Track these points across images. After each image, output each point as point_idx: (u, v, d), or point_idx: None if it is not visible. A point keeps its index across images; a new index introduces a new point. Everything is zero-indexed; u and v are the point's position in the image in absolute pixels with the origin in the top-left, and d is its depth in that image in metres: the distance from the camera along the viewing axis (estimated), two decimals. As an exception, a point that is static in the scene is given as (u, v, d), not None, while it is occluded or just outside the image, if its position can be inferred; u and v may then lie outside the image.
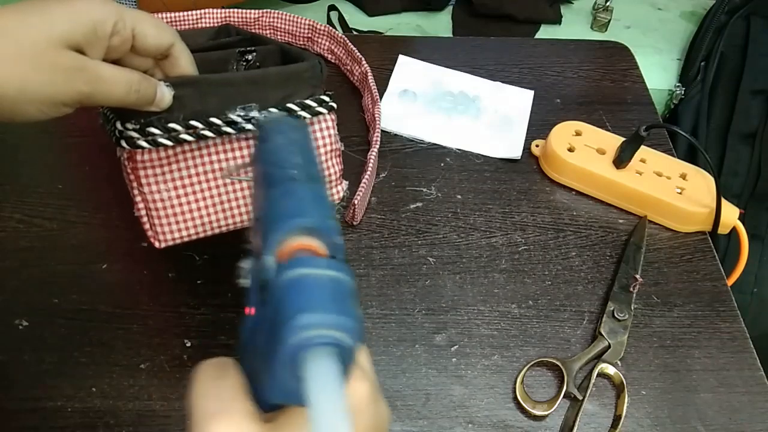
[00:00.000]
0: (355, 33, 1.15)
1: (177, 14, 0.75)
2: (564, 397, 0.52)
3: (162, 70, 0.43)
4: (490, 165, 0.69)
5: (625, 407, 0.52)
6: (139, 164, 0.44)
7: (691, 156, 0.99)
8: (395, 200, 0.65)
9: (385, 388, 0.53)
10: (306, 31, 0.78)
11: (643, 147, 0.65)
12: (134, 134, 0.42)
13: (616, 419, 0.52)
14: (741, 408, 0.53)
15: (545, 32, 1.22)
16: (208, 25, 0.78)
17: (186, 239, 0.48)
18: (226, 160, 0.46)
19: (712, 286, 0.61)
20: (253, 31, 0.80)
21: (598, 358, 0.55)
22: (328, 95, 0.48)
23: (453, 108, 0.74)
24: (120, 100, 0.39)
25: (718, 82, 1.12)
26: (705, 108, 1.11)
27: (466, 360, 0.55)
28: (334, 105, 0.49)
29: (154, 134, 0.43)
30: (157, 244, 0.48)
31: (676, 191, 0.65)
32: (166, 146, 0.44)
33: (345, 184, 0.52)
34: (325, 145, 0.49)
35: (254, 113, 0.44)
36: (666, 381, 0.54)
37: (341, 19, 1.16)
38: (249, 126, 0.45)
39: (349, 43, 0.75)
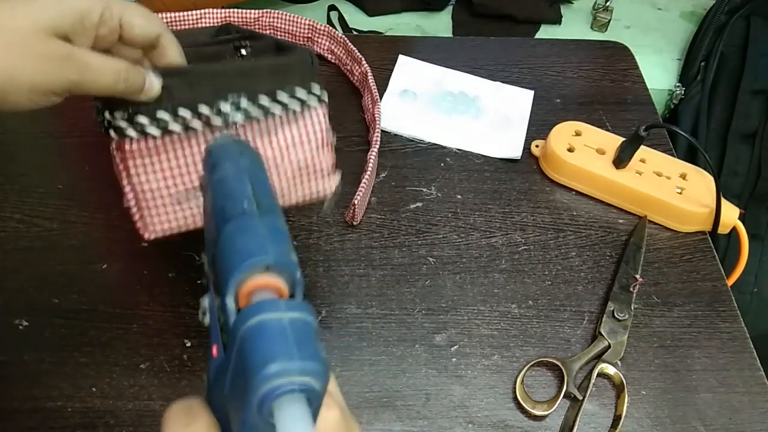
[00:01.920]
0: (355, 33, 1.15)
1: (177, 14, 0.75)
2: (564, 397, 0.52)
3: (151, 60, 0.44)
4: (490, 165, 0.69)
5: (625, 407, 0.52)
6: (128, 154, 0.44)
7: (691, 156, 0.99)
8: (395, 200, 0.65)
9: (385, 388, 0.53)
10: (306, 31, 0.78)
11: (642, 147, 0.65)
12: (122, 123, 0.42)
13: (616, 419, 0.52)
14: (741, 408, 0.53)
15: (545, 32, 1.22)
16: (208, 25, 0.78)
17: (176, 230, 0.48)
18: None
19: (712, 286, 0.61)
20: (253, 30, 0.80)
21: (598, 358, 0.55)
22: (319, 87, 0.48)
23: (453, 108, 0.74)
24: (108, 88, 0.39)
25: (718, 82, 1.12)
26: (705, 108, 1.11)
27: (466, 360, 0.55)
28: (326, 97, 0.49)
29: (142, 123, 0.43)
30: (146, 235, 0.47)
31: (676, 191, 0.65)
32: (154, 136, 0.43)
33: (338, 174, 0.51)
34: (316, 137, 0.49)
35: (244, 103, 0.44)
36: (666, 381, 0.54)
37: (341, 19, 1.16)
38: (238, 117, 0.45)
39: (349, 43, 0.75)
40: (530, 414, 0.52)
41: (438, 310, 0.57)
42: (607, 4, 1.21)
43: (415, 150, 0.70)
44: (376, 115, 0.68)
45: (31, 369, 0.52)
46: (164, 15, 0.75)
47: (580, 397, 0.52)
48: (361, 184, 0.62)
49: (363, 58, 0.73)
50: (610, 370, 0.54)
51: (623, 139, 0.66)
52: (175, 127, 0.43)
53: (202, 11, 0.76)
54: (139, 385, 0.51)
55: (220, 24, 0.78)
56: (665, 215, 0.65)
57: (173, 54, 0.44)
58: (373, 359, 0.54)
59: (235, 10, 0.78)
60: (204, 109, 0.44)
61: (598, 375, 0.54)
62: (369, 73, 0.71)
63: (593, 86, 0.79)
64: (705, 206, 0.63)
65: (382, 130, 0.69)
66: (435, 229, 0.63)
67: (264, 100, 0.45)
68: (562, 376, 0.53)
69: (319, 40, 0.78)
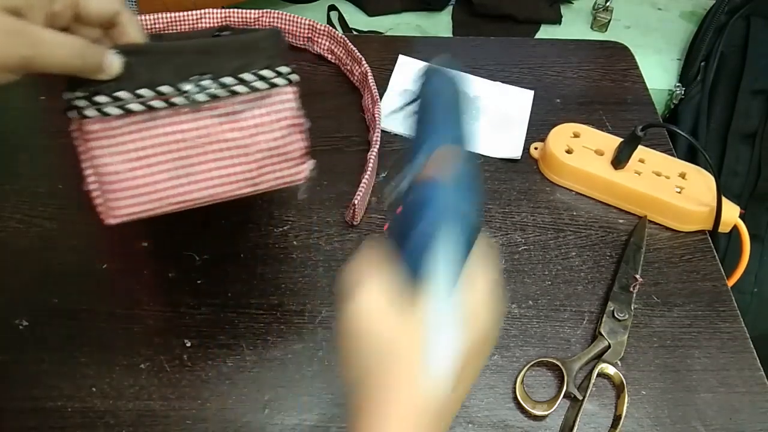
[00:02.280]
0: (355, 33, 1.15)
1: (177, 14, 0.75)
2: (564, 397, 0.52)
3: (111, 39, 0.43)
4: (490, 165, 0.69)
5: (625, 407, 0.52)
6: (89, 135, 0.43)
7: (691, 156, 0.99)
8: (395, 200, 0.65)
9: (385, 388, 0.53)
10: (306, 31, 0.78)
11: (641, 147, 0.65)
12: (81, 103, 0.41)
13: (616, 419, 0.52)
14: (741, 408, 0.53)
15: (545, 32, 1.22)
16: (208, 25, 0.78)
17: (140, 215, 0.46)
18: (180, 131, 0.44)
19: (712, 286, 0.61)
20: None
21: (598, 358, 0.55)
22: (287, 66, 0.47)
23: (453, 108, 0.74)
24: (64, 64, 0.38)
25: (718, 82, 1.12)
26: (705, 108, 1.11)
27: (466, 360, 0.54)
28: (294, 78, 0.47)
29: (101, 103, 0.41)
30: (110, 220, 0.45)
31: (676, 190, 0.65)
32: (115, 116, 0.42)
33: (311, 163, 0.49)
34: (285, 119, 0.47)
35: (207, 83, 0.43)
36: (666, 381, 0.54)
37: (341, 19, 1.16)
38: (201, 97, 0.44)
39: (349, 43, 0.75)
40: (530, 414, 0.52)
41: (438, 310, 0.57)
42: (607, 4, 1.21)
43: (415, 150, 0.70)
44: (376, 115, 0.68)
45: (31, 369, 0.52)
46: (164, 15, 0.75)
47: (580, 397, 0.52)
48: (361, 184, 0.62)
49: (363, 58, 0.73)
50: (610, 370, 0.54)
51: (622, 139, 0.66)
52: (135, 106, 0.42)
53: (202, 11, 0.76)
54: (139, 385, 0.51)
55: (219, 24, 0.78)
56: (665, 215, 0.65)
57: (133, 32, 0.43)
58: (373, 359, 0.54)
59: (235, 10, 0.78)
60: (165, 89, 0.43)
61: (598, 375, 0.54)
62: (369, 73, 0.71)
63: (593, 86, 0.79)
64: (705, 205, 0.63)
65: (382, 130, 0.69)
66: (435, 229, 0.63)
67: (228, 79, 0.44)
68: (562, 376, 0.53)
69: (319, 40, 0.78)
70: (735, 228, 0.64)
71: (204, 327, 0.55)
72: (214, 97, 0.44)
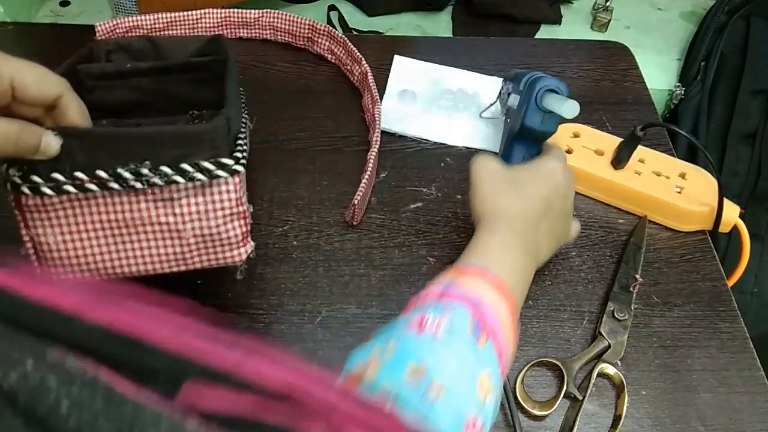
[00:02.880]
0: (355, 33, 1.15)
1: (177, 14, 0.75)
2: (564, 397, 0.52)
3: (52, 119, 0.42)
4: (490, 165, 0.69)
5: (625, 407, 0.52)
6: (25, 208, 0.43)
7: (691, 156, 0.99)
8: (395, 200, 0.65)
9: (385, 388, 0.53)
10: (306, 31, 0.78)
11: (641, 147, 0.65)
12: (17, 180, 0.42)
13: (616, 419, 0.52)
14: (741, 408, 0.53)
15: (545, 32, 1.22)
16: (208, 25, 0.78)
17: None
18: (114, 212, 0.45)
19: (712, 286, 0.61)
20: (252, 31, 0.80)
21: (598, 358, 0.55)
22: (234, 158, 0.45)
23: (454, 106, 0.74)
24: None
25: (718, 82, 1.12)
26: (705, 108, 1.11)
27: (466, 360, 0.54)
28: (240, 168, 0.46)
29: (36, 182, 0.42)
30: None
31: (676, 190, 0.65)
32: (49, 195, 0.43)
33: (251, 246, 0.49)
34: (224, 209, 0.46)
35: (145, 171, 0.43)
36: (666, 381, 0.54)
37: (341, 19, 1.16)
38: (138, 184, 0.43)
39: (349, 43, 0.75)
40: (530, 414, 0.52)
41: (438, 310, 0.57)
42: (607, 4, 1.21)
43: (415, 150, 0.70)
44: (376, 115, 0.68)
45: (31, 369, 0.52)
46: (164, 15, 0.75)
47: (580, 397, 0.52)
48: (361, 185, 0.62)
49: (363, 58, 0.73)
50: (610, 370, 0.54)
51: (622, 139, 0.66)
52: (70, 188, 0.42)
53: (202, 11, 0.76)
54: (139, 385, 0.51)
55: (219, 25, 0.78)
56: (665, 215, 0.65)
57: (74, 114, 0.42)
58: (373, 359, 0.54)
59: (235, 10, 0.78)
60: (102, 173, 0.42)
61: (598, 375, 0.54)
62: (369, 73, 0.71)
63: (593, 86, 0.79)
64: (705, 205, 0.63)
65: (382, 131, 0.69)
66: (435, 229, 0.63)
67: (167, 168, 0.43)
68: (562, 376, 0.53)
69: (319, 40, 0.78)
70: (735, 228, 0.64)
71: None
72: (152, 185, 0.43)
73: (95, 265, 0.46)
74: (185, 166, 0.43)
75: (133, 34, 0.75)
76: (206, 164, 0.44)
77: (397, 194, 0.66)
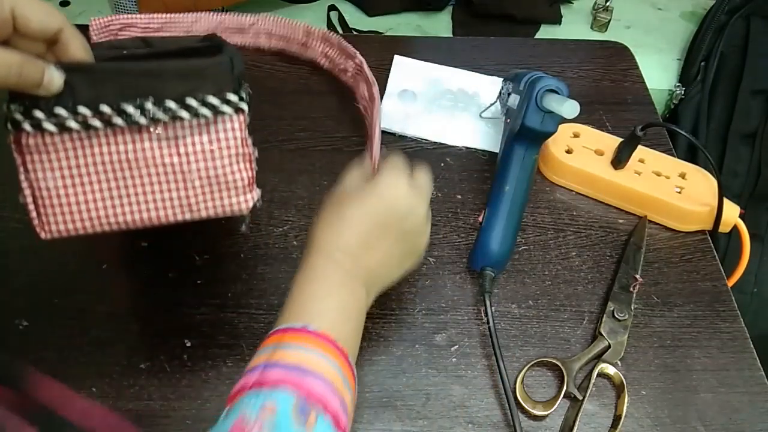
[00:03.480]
0: (355, 33, 1.15)
1: (172, 15, 0.75)
2: (564, 397, 0.52)
3: (55, 55, 0.42)
4: (491, 165, 0.69)
5: (625, 407, 0.52)
6: (25, 148, 0.42)
7: (691, 156, 0.99)
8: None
9: (385, 388, 0.53)
10: (301, 35, 0.77)
11: (641, 147, 0.65)
12: (18, 116, 0.41)
13: (616, 419, 0.52)
14: (741, 408, 0.53)
15: (545, 32, 1.22)
16: (203, 29, 0.77)
17: (74, 233, 0.45)
18: (117, 153, 0.43)
19: (712, 286, 0.61)
20: (247, 38, 0.79)
21: (598, 358, 0.55)
22: (237, 94, 0.45)
23: (454, 106, 0.74)
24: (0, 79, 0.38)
25: (718, 82, 1.12)
26: (705, 108, 1.11)
27: (466, 360, 0.55)
28: (244, 106, 0.45)
29: (38, 118, 0.41)
30: (42, 235, 0.44)
31: (676, 190, 0.65)
32: (51, 132, 0.41)
33: (257, 193, 0.47)
34: (229, 148, 0.45)
35: (149, 106, 0.42)
36: (666, 381, 0.54)
37: (341, 19, 1.16)
38: (142, 119, 0.42)
39: (342, 41, 0.74)
40: (530, 414, 0.52)
41: (438, 310, 0.57)
42: (607, 4, 1.21)
43: (415, 150, 0.70)
44: (375, 95, 0.66)
45: (31, 369, 0.52)
46: (160, 16, 0.75)
47: (580, 397, 0.52)
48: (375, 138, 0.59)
49: (357, 52, 0.72)
50: (610, 370, 0.54)
51: (622, 139, 0.66)
52: (73, 124, 0.41)
53: (198, 14, 0.76)
54: (139, 385, 0.51)
55: (214, 27, 0.78)
56: (665, 215, 0.65)
57: (76, 49, 0.42)
58: (373, 359, 0.54)
59: (230, 14, 0.78)
60: (105, 109, 0.42)
61: (598, 375, 0.54)
62: (364, 64, 0.70)
63: (593, 86, 0.79)
64: (705, 205, 0.63)
65: (383, 131, 0.69)
66: (435, 229, 0.63)
67: (172, 103, 0.43)
68: (562, 376, 0.53)
69: (314, 45, 0.77)
70: (735, 228, 0.64)
71: (204, 327, 0.55)
72: (156, 121, 0.43)
73: (96, 213, 0.44)
74: (190, 101, 0.43)
75: (127, 32, 0.74)
76: (211, 99, 0.44)
77: (397, 194, 0.66)
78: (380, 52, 0.79)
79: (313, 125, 0.72)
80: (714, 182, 0.64)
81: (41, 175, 0.43)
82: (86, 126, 0.42)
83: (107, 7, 1.02)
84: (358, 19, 1.19)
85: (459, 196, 0.66)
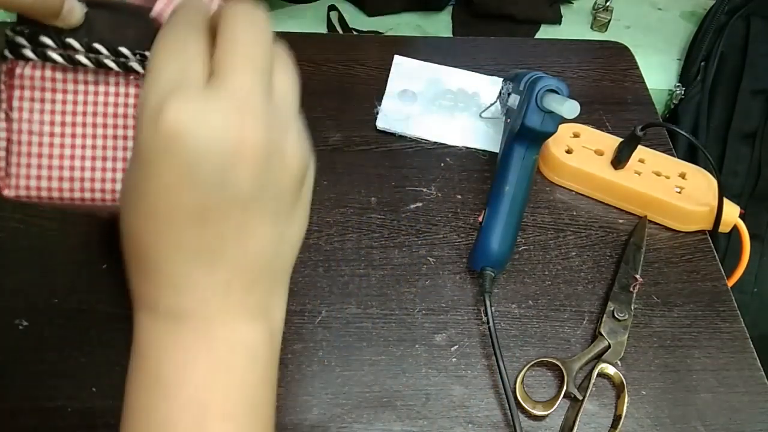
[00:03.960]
0: (355, 33, 1.15)
1: None
2: (564, 397, 0.52)
3: None
4: (491, 165, 0.69)
5: (625, 407, 0.52)
6: (17, 80, 0.37)
7: (691, 156, 0.99)
8: (395, 200, 0.65)
9: (385, 388, 0.53)
10: None
11: (641, 147, 0.65)
12: (22, 40, 0.36)
13: (616, 419, 0.52)
14: (741, 408, 0.53)
15: (545, 32, 1.22)
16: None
17: (46, 196, 0.40)
18: (115, 104, 0.40)
19: (712, 286, 0.61)
20: None
21: (598, 358, 0.55)
22: None
23: (454, 106, 0.74)
24: (14, 0, 0.34)
25: (718, 82, 1.12)
26: (705, 108, 1.11)
27: (466, 360, 0.55)
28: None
29: (45, 45, 0.36)
30: (6, 192, 0.39)
31: (676, 190, 0.65)
32: (54, 63, 0.37)
33: None
34: None
35: None
36: (666, 381, 0.54)
37: (341, 19, 1.16)
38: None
39: None
40: (530, 414, 0.52)
41: (438, 310, 0.57)
42: (607, 4, 1.21)
43: (415, 150, 0.70)
44: None
45: (31, 369, 0.52)
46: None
47: (580, 397, 0.52)
48: None
49: None
50: (610, 370, 0.54)
51: (622, 139, 0.66)
52: (83, 59, 0.37)
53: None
54: (139, 385, 0.51)
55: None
56: (665, 215, 0.65)
57: None
58: (373, 359, 0.54)
59: None
60: (124, 50, 0.38)
61: (598, 375, 0.54)
62: None
63: (593, 86, 0.79)
64: (705, 205, 0.63)
65: (383, 131, 0.69)
66: (435, 229, 0.63)
67: None
68: (562, 376, 0.53)
69: None
70: (735, 228, 0.64)
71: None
72: None
73: (79, 174, 0.40)
74: None
75: None
76: None
77: (397, 194, 0.66)
78: (380, 52, 0.79)
79: (312, 125, 0.72)
80: (714, 182, 0.64)
81: (27, 116, 0.38)
82: (98, 65, 0.38)
83: None
84: (358, 19, 1.19)
85: (459, 196, 0.66)
